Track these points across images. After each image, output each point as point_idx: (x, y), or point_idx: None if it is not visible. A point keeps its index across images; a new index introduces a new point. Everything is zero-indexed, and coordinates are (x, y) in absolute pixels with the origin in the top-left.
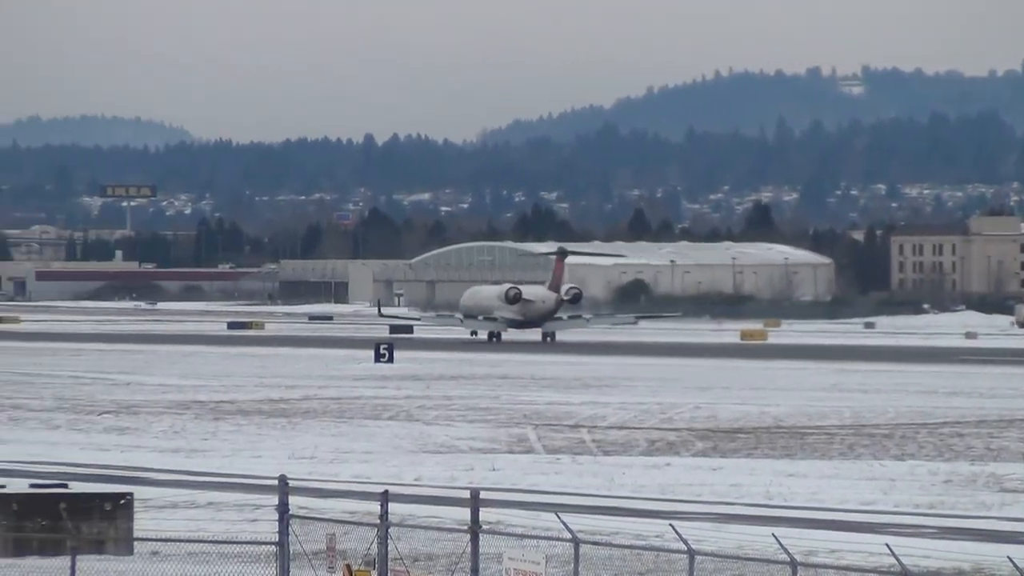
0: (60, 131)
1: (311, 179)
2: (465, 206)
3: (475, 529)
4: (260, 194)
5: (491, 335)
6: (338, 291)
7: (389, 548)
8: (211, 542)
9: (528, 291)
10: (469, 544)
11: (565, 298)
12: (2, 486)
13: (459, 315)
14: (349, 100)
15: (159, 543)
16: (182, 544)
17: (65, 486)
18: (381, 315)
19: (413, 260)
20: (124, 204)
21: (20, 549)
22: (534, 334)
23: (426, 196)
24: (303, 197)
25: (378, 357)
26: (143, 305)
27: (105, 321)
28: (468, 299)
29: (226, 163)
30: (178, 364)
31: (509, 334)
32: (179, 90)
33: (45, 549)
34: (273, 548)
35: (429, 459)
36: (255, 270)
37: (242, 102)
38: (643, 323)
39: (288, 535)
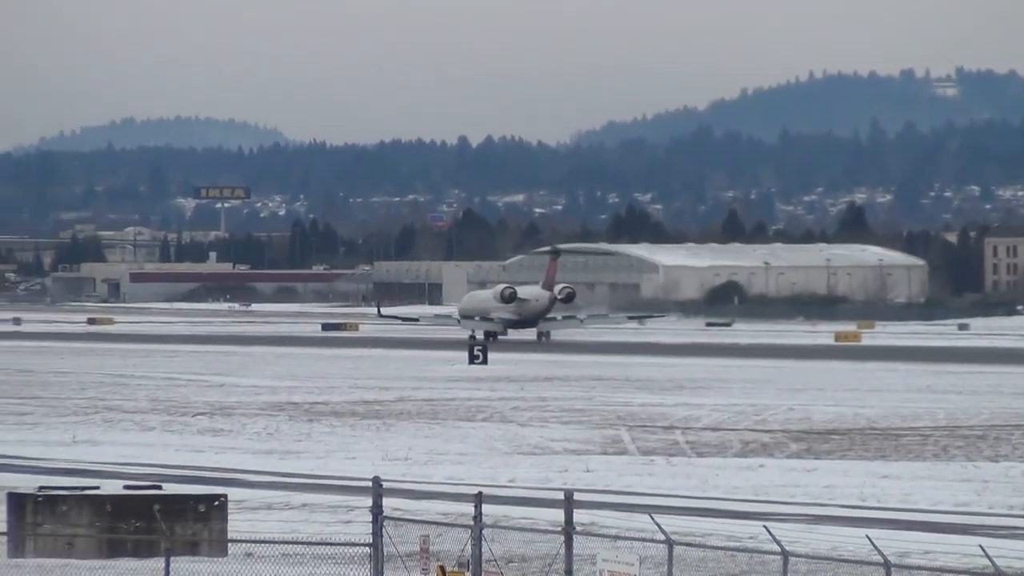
0: (154, 133)
1: (405, 180)
2: (559, 207)
3: (569, 530)
4: (354, 195)
5: (488, 335)
6: (432, 292)
7: (483, 550)
8: (305, 543)
9: (523, 290)
10: (563, 546)
11: (559, 297)
12: (96, 487)
13: (456, 316)
14: (444, 102)
15: (253, 544)
16: (276, 545)
17: (159, 487)
18: (380, 315)
19: (507, 261)
20: (218, 206)
21: (114, 550)
22: (529, 334)
23: (520, 198)
24: (397, 199)
25: (472, 359)
26: (237, 307)
27: (199, 322)
28: (467, 302)
29: (320, 165)
30: (272, 365)
31: (505, 335)
32: (273, 92)
33: (139, 550)
34: (367, 550)
35: (523, 460)
36: (349, 272)
37: (336, 104)
38: (650, 323)
39: (382, 536)
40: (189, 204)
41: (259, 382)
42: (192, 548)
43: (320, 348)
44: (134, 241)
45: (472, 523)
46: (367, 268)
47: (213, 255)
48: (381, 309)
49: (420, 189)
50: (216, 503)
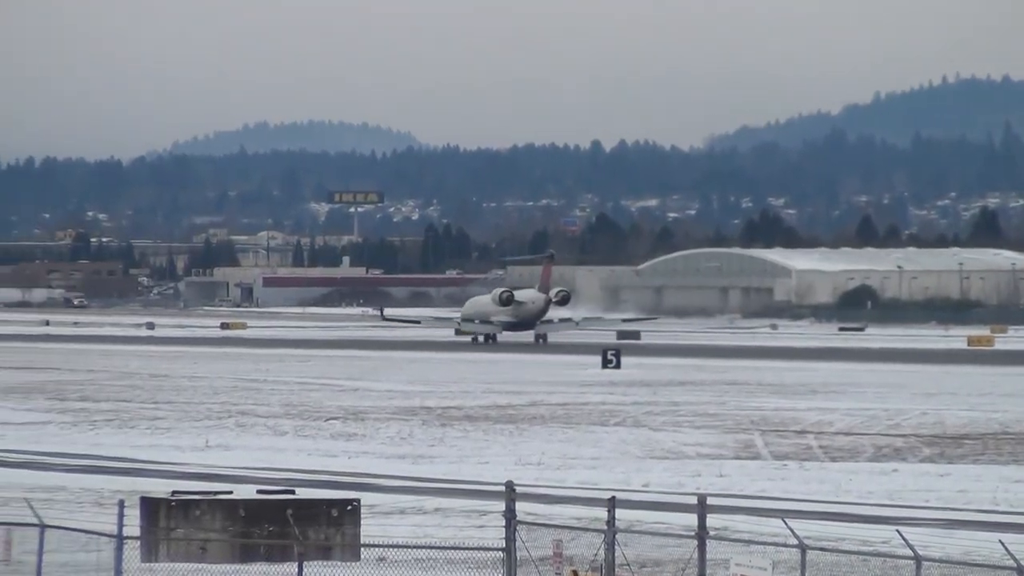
0: (288, 137)
1: (538, 185)
2: (692, 212)
3: (702, 535)
4: (487, 200)
5: (486, 337)
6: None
7: (616, 554)
8: (438, 548)
9: (520, 294)
10: (696, 550)
11: (554, 300)
12: (230, 492)
13: (457, 319)
14: (576, 106)
15: (386, 549)
16: (409, 550)
17: (292, 492)
18: (384, 319)
19: (640, 266)
20: (351, 210)
21: (247, 555)
22: (526, 335)
23: (653, 202)
24: (530, 203)
25: (605, 363)
26: (370, 311)
27: (332, 327)
28: (468, 306)
29: (453, 169)
30: (405, 370)
31: (504, 336)
32: (406, 96)
33: (272, 555)
34: (500, 554)
35: (656, 465)
36: (482, 276)
37: (469, 108)
38: (650, 324)
39: (515, 541)
40: (322, 208)
41: (392, 386)
42: (325, 553)
43: (453, 352)
44: (267, 245)
45: (605, 527)
46: (500, 273)
47: (346, 259)
48: (384, 312)
49: (553, 193)
50: (349, 508)
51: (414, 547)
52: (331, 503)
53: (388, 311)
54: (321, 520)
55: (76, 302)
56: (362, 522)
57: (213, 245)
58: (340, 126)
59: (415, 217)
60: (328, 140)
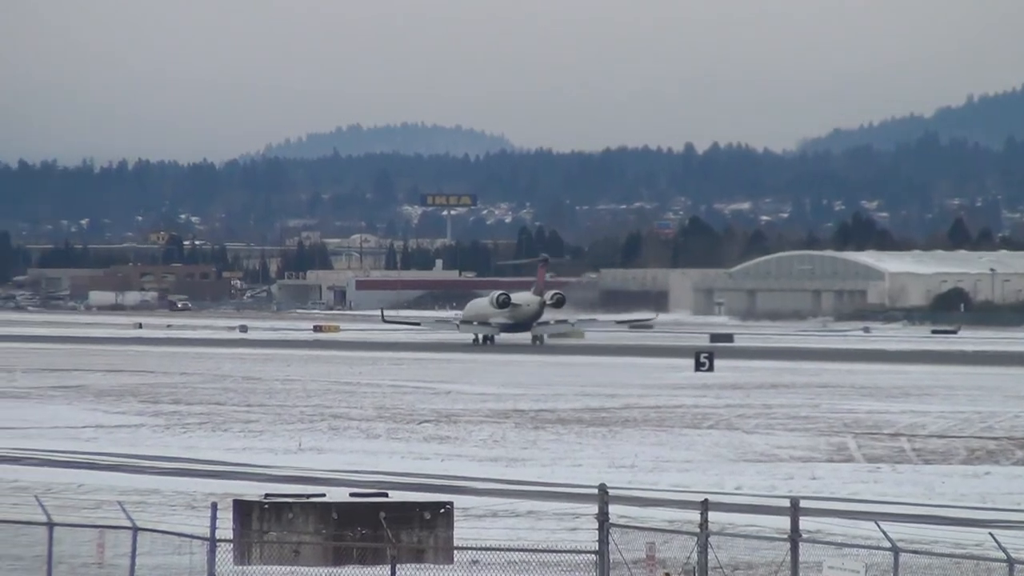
0: (381, 140)
1: (631, 188)
2: (785, 215)
3: (795, 538)
4: (580, 203)
5: (485, 338)
6: (658, 300)
7: (709, 557)
8: (531, 551)
9: (516, 296)
10: (788, 553)
11: (549, 302)
12: (322, 495)
13: (456, 321)
14: (669, 109)
15: (479, 552)
16: (502, 553)
17: (385, 495)
18: (384, 321)
19: (733, 269)
20: (444, 213)
21: (340, 558)
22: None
23: (746, 205)
24: (623, 206)
25: (698, 366)
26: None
27: (424, 330)
28: (468, 309)
29: (546, 172)
30: (498, 373)
31: (501, 337)
32: (499, 99)
33: (365, 558)
34: (593, 557)
35: (749, 468)
36: (575, 279)
37: (562, 111)
38: (623, 328)
39: (608, 544)
40: (415, 211)
41: (485, 389)
42: (418, 556)
43: (546, 355)
44: (360, 248)
45: (698, 530)
46: (593, 276)
47: (439, 262)
48: (384, 314)
49: (646, 196)
50: (442, 510)
51: (507, 549)
52: (424, 506)
53: (388, 313)
54: (414, 523)
55: (180, 305)
56: (455, 525)
57: (306, 248)
58: (434, 129)
59: (508, 220)
60: (421, 143)
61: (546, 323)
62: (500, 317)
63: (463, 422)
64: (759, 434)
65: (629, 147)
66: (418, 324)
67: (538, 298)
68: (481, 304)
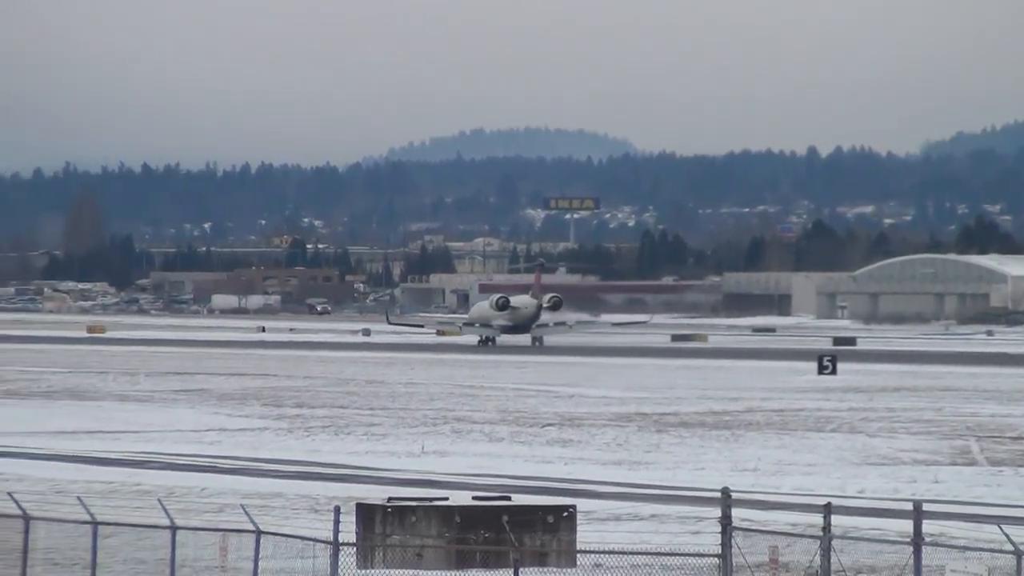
0: (504, 143)
1: (754, 191)
2: (908, 218)
3: (918, 541)
4: (703, 206)
5: (487, 340)
6: (782, 303)
7: (832, 560)
8: (654, 554)
9: (515, 299)
10: (911, 556)
11: (546, 305)
12: (445, 498)
13: (459, 323)
14: (792, 112)
15: (602, 555)
16: (625, 556)
17: (508, 498)
18: (389, 323)
19: (856, 272)
20: (567, 216)
21: (463, 562)
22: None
23: (869, 208)
24: (746, 209)
25: (821, 369)
26: (585, 317)
27: (429, 332)
28: (472, 312)
29: (669, 175)
30: (621, 376)
31: (502, 339)
32: (623, 102)
33: (487, 561)
34: (716, 560)
35: (872, 471)
36: (698, 282)
37: (685, 114)
38: (618, 331)
39: (731, 547)
40: (538, 215)
41: (608, 393)
42: (541, 559)
43: (669, 359)
44: (483, 252)
45: (821, 533)
46: (716, 279)
47: (562, 266)
48: (389, 317)
49: (769, 200)
50: (565, 514)
51: (630, 553)
52: (547, 509)
53: (393, 316)
54: (537, 526)
55: (319, 308)
56: (578, 528)
57: (429, 251)
58: (557, 132)
59: (631, 223)
60: (544, 146)
61: (544, 325)
62: (501, 319)
63: (586, 425)
64: (882, 437)
65: (752, 150)
66: (421, 326)
67: (535, 301)
68: (483, 307)
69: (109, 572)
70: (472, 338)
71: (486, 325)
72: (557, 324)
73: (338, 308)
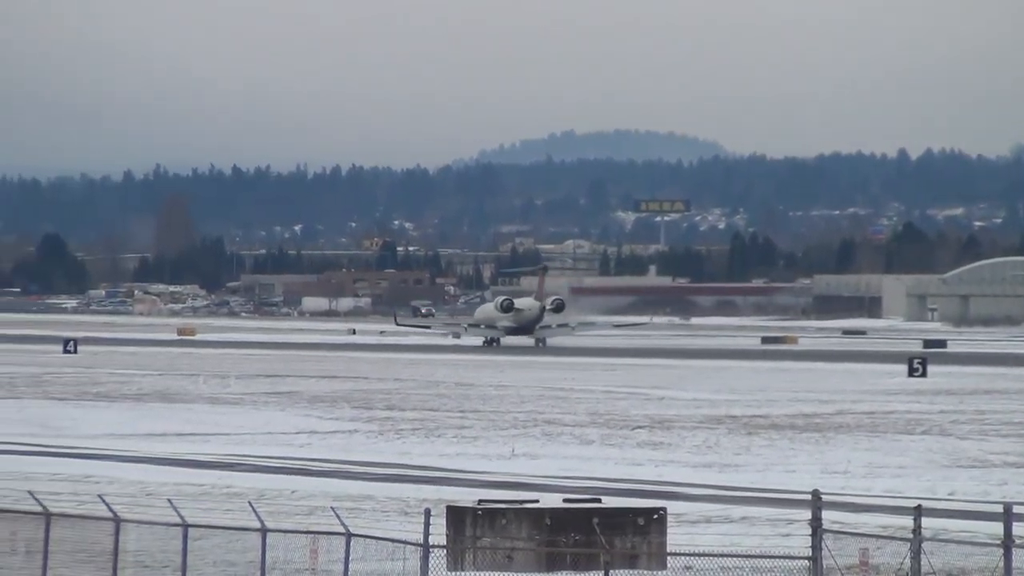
0: (594, 146)
1: (844, 193)
2: (998, 220)
3: (1008, 544)
4: (793, 208)
5: (491, 341)
6: (871, 306)
7: (922, 563)
8: (744, 556)
9: (518, 302)
10: (1002, 559)
11: (548, 307)
12: (535, 500)
13: (464, 325)
14: (883, 114)
15: (692, 557)
16: (715, 559)
17: (598, 500)
18: (397, 324)
19: (946, 275)
20: (658, 219)
21: (553, 564)
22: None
23: (959, 211)
24: (836, 211)
25: (911, 371)
26: (676, 320)
27: (638, 336)
28: (477, 313)
29: (759, 177)
30: (711, 378)
31: (505, 340)
32: (713, 105)
33: (578, 564)
34: (806, 563)
35: (962, 473)
36: (788, 285)
37: (775, 116)
38: (619, 330)
39: (821, 550)
40: (628, 217)
41: (698, 395)
42: (631, 561)
43: (760, 361)
44: (573, 254)
45: (911, 536)
46: (806, 281)
47: (652, 268)
48: (397, 318)
49: (859, 202)
50: (655, 516)
51: (720, 555)
52: (637, 512)
53: (401, 318)
54: (627, 529)
55: (423, 311)
56: (668, 531)
57: (519, 254)
58: (647, 135)
59: (721, 226)
60: (634, 148)
61: (548, 327)
62: (505, 321)
63: (676, 428)
64: (972, 440)
65: (842, 152)
66: (428, 327)
67: (539, 303)
68: (488, 309)
69: (199, 574)
70: (475, 339)
71: (491, 326)
72: (560, 326)
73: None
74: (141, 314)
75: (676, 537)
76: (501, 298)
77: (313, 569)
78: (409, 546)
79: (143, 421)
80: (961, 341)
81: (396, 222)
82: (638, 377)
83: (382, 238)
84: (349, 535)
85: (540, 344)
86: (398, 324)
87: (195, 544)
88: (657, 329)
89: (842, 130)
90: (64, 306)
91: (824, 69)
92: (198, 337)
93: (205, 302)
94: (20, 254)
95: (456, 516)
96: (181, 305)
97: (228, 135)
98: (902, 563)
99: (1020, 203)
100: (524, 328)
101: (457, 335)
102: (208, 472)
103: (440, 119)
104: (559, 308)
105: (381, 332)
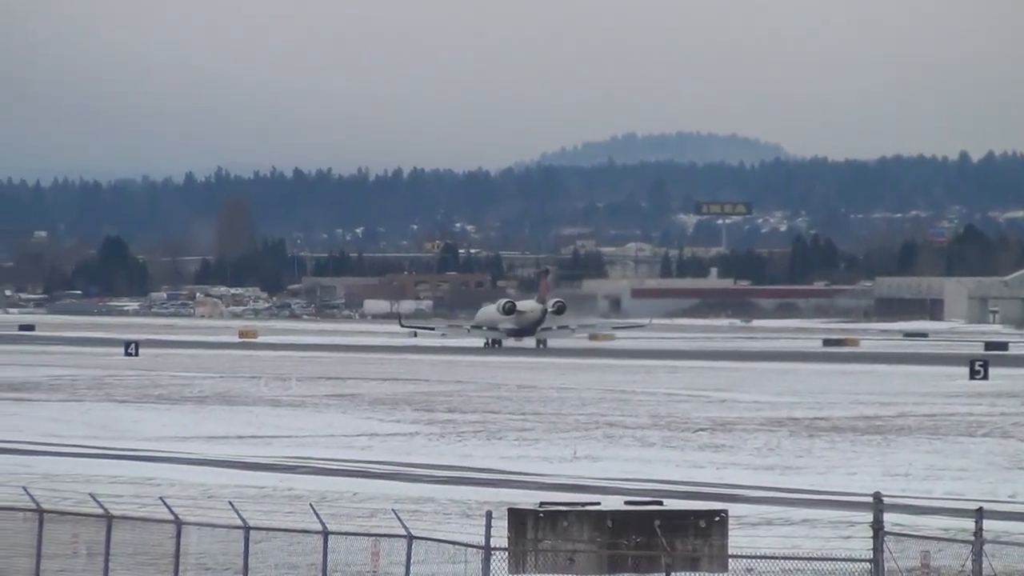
0: (656, 148)
1: (905, 196)
2: None
3: None
4: (854, 211)
5: (493, 342)
6: (933, 308)
7: (983, 565)
8: (805, 559)
9: (521, 304)
10: None
11: (550, 309)
12: (597, 503)
13: (467, 326)
14: (944, 117)
15: (753, 560)
16: (776, 561)
17: (660, 503)
18: (402, 326)
19: (1008, 277)
20: (719, 221)
21: (615, 566)
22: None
23: (1020, 213)
24: (898, 214)
25: (973, 374)
26: (738, 322)
27: (700, 338)
28: (479, 315)
29: (821, 180)
30: (773, 381)
31: (507, 342)
32: (775, 107)
33: (639, 566)
34: (867, 565)
35: None
36: (849, 287)
37: (837, 119)
38: (618, 332)
39: (882, 552)
40: (690, 219)
41: (760, 397)
42: (692, 564)
43: (821, 364)
44: (635, 257)
45: (972, 538)
46: (868, 284)
47: (714, 271)
48: (402, 321)
49: (920, 205)
50: (717, 519)
51: (781, 558)
52: (699, 514)
53: (405, 320)
54: (689, 531)
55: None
56: (729, 533)
57: (581, 256)
58: (708, 137)
59: (783, 228)
60: (696, 151)
61: (548, 328)
62: (507, 323)
63: (738, 430)
64: None
65: (904, 155)
66: (432, 329)
67: (541, 306)
68: (490, 311)
69: None
70: (478, 340)
71: (493, 328)
72: (560, 328)
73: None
74: (202, 316)
75: (737, 539)
76: (503, 300)
77: (374, 572)
78: (471, 548)
79: (204, 423)
80: (1023, 343)
81: (457, 225)
82: (700, 379)
83: (443, 240)
84: (410, 538)
85: (541, 345)
86: (403, 326)
87: (256, 547)
88: (718, 331)
89: (903, 133)
90: (125, 308)
91: (886, 71)
92: (259, 339)
93: (266, 304)
94: (82, 257)
95: (518, 518)
96: (242, 307)
97: (290, 137)
98: (963, 566)
99: None
100: (525, 330)
101: (444, 334)
102: (269, 474)
103: (502, 122)
104: (560, 310)
105: (442, 335)
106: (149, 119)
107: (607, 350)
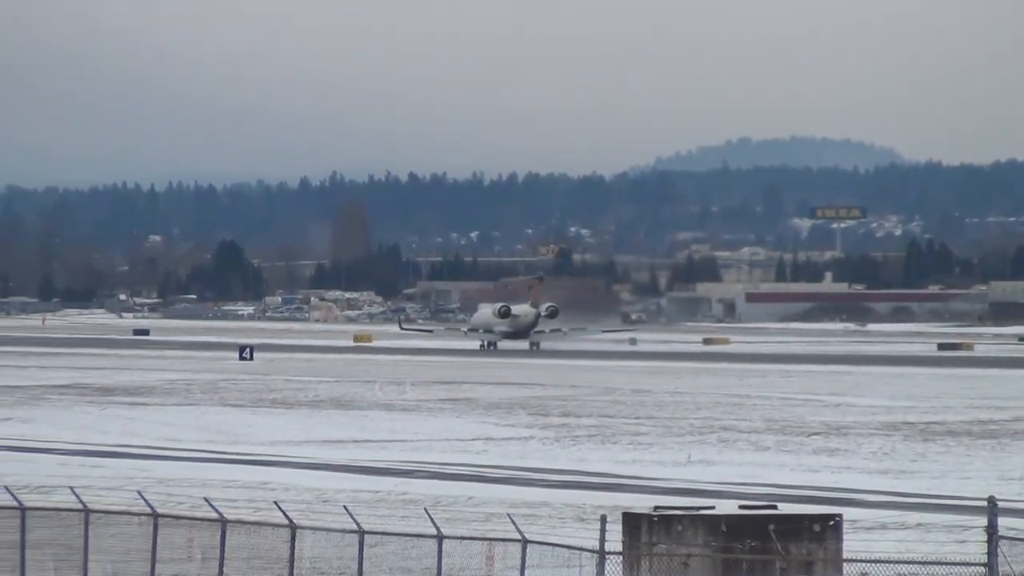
0: (770, 153)
1: (1020, 200)
2: None
3: None
4: (970, 215)
5: (489, 344)
6: None
7: None
8: (920, 563)
9: (515, 308)
10: None
11: (543, 313)
12: (711, 507)
13: (464, 329)
14: None
15: (868, 564)
16: (891, 565)
17: (774, 507)
18: (402, 328)
19: None
20: (834, 226)
21: (729, 570)
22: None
23: None
24: (1012, 218)
25: None
26: (852, 326)
27: (814, 342)
28: (475, 318)
29: (936, 184)
30: (888, 385)
31: (502, 345)
32: (889, 112)
33: (754, 570)
34: (982, 569)
35: None
36: (964, 291)
37: (952, 123)
38: (607, 335)
39: (997, 556)
40: (804, 224)
41: (875, 402)
42: (807, 568)
43: (936, 368)
44: (749, 261)
45: None
46: (983, 288)
47: (828, 275)
48: (402, 323)
49: None
50: (831, 523)
51: (896, 562)
52: (813, 518)
53: (405, 324)
54: (803, 535)
55: (634, 317)
56: (844, 537)
57: (695, 261)
58: (823, 142)
59: (898, 232)
60: (810, 155)
61: (542, 331)
62: (502, 326)
63: (852, 434)
64: None
65: (1019, 159)
66: (431, 331)
67: (534, 310)
68: (486, 314)
69: None
70: (473, 343)
71: (488, 331)
72: (553, 331)
73: (606, 317)
74: (317, 321)
75: (852, 544)
76: (499, 304)
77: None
78: (585, 553)
79: (319, 428)
80: (514, 340)
81: (572, 229)
82: (815, 384)
83: (558, 245)
84: (525, 542)
85: (534, 348)
86: (402, 329)
87: (371, 551)
88: (833, 336)
89: (1019, 137)
90: (240, 313)
91: (1000, 76)
92: (374, 344)
93: (381, 309)
94: (197, 261)
95: (632, 522)
96: (357, 312)
97: (404, 142)
98: None
99: None
100: (520, 333)
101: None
102: (384, 479)
103: (616, 126)
104: (553, 314)
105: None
106: (264, 123)
107: (607, 351)
